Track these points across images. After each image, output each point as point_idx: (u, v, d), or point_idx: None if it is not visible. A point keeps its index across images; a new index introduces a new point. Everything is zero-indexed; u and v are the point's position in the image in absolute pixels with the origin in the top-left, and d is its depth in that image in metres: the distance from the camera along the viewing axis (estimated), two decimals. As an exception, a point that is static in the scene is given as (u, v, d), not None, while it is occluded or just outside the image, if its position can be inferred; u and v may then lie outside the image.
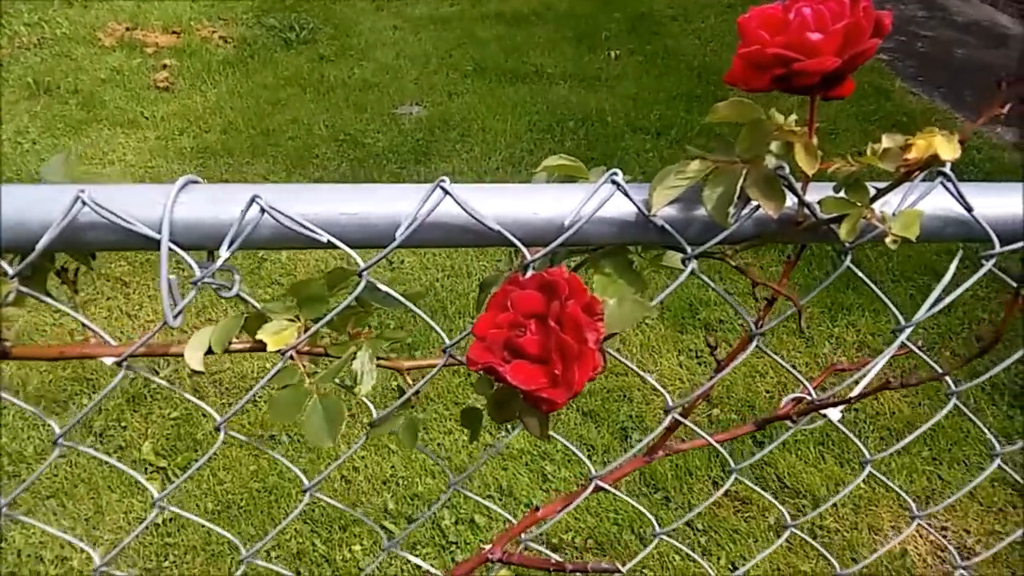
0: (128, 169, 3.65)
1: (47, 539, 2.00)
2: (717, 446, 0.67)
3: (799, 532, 1.99)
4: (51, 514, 2.08)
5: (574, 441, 2.28)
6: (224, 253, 0.54)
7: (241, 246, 0.55)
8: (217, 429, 0.63)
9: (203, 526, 2.06)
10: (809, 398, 0.70)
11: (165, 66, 4.47)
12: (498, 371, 0.53)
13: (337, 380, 0.61)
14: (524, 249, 0.58)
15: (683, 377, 2.52)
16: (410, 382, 0.64)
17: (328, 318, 0.58)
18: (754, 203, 0.58)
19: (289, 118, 4.02)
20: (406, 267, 3.10)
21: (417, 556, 1.95)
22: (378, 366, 0.62)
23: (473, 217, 0.57)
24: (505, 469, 2.15)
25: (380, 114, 4.09)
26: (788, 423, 0.67)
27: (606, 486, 0.68)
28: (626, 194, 0.58)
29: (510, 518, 0.75)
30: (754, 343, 0.65)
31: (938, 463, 2.23)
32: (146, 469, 2.22)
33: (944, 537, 2.00)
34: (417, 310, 0.60)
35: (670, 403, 0.65)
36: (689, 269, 0.61)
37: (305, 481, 0.68)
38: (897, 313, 0.67)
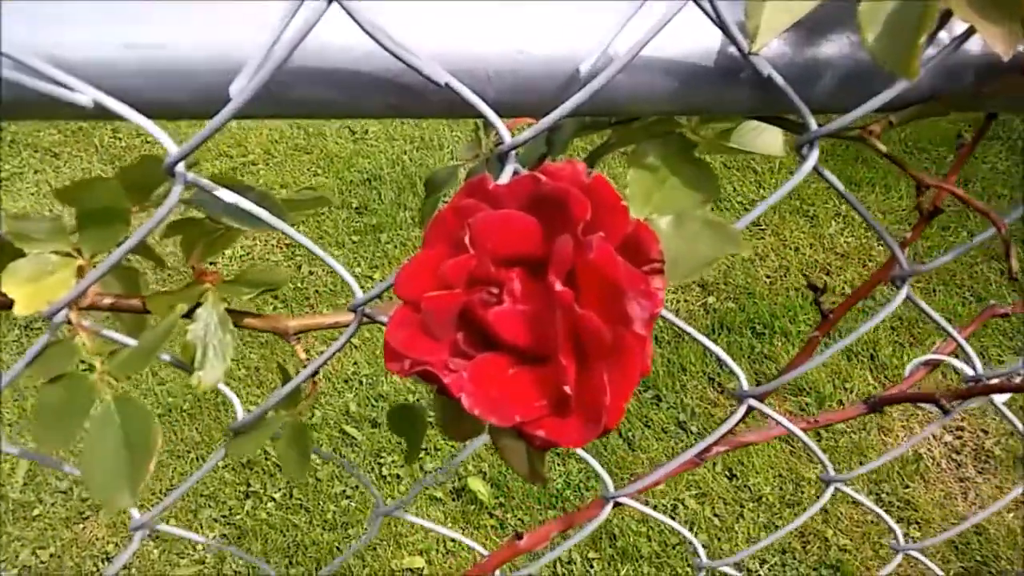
0: None
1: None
2: (808, 442, 0.42)
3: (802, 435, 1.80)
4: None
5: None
6: None
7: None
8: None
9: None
10: (947, 361, 0.44)
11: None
12: (442, 383, 0.26)
13: (164, 358, 0.34)
14: (498, 121, 0.30)
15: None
16: (303, 356, 0.37)
17: (125, 250, 0.30)
18: (957, 33, 0.30)
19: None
20: (370, 137, 2.75)
21: (383, 465, 1.76)
22: (240, 327, 0.34)
23: (392, 54, 0.28)
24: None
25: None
26: (919, 407, 0.41)
27: (628, 501, 0.43)
28: (710, 11, 0.29)
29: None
30: (904, 292, 0.38)
31: (954, 356, 2.03)
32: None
33: (960, 439, 1.83)
34: (296, 235, 0.32)
35: (744, 386, 0.39)
36: (812, 160, 0.32)
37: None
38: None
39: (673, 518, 1.66)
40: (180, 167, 0.28)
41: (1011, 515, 1.65)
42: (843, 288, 2.21)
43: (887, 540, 1.62)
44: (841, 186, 0.33)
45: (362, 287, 0.33)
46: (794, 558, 1.58)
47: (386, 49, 0.27)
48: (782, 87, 0.31)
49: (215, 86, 0.28)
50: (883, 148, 0.33)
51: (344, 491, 1.69)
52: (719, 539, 1.62)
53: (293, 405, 0.36)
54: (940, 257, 0.35)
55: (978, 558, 1.58)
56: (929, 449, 1.81)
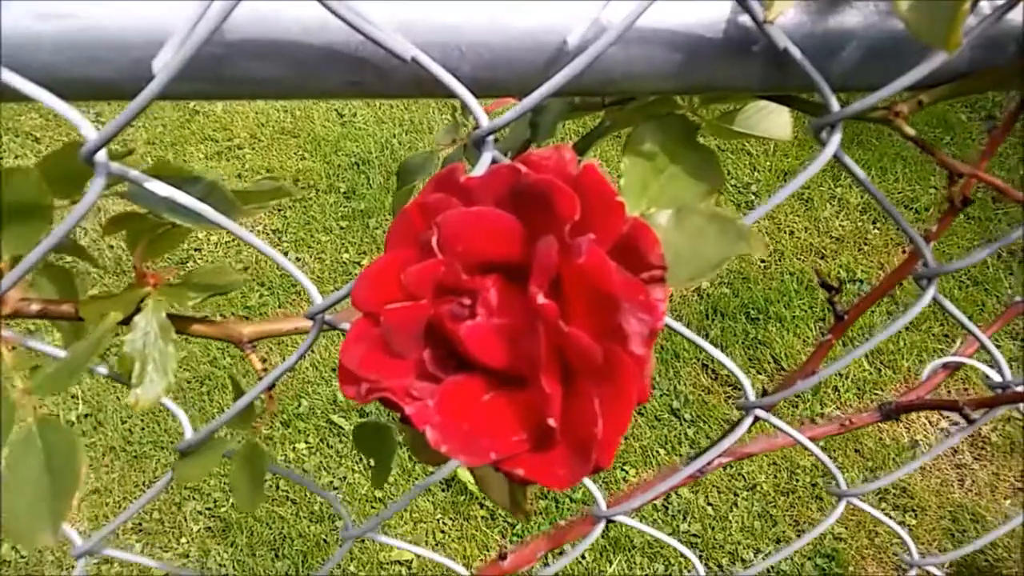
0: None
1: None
2: (819, 453, 0.39)
3: (812, 447, 1.78)
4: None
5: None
6: None
7: None
8: None
9: (123, 422, 1.79)
10: (974, 367, 0.41)
11: None
12: (403, 412, 0.22)
13: (99, 372, 0.30)
14: (473, 102, 0.26)
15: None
16: (259, 366, 0.33)
17: (42, 251, 0.26)
18: (997, 4, 0.26)
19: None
20: (358, 120, 2.69)
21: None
22: (184, 335, 0.30)
23: (348, 24, 0.24)
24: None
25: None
26: (952, 417, 0.38)
27: (625, 519, 0.39)
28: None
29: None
30: (930, 292, 0.34)
31: (950, 340, 2.01)
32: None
33: (956, 425, 1.80)
34: (243, 233, 0.28)
35: (750, 397, 0.35)
36: (834, 144, 0.29)
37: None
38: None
39: (666, 507, 1.63)
40: (101, 156, 0.24)
41: (1008, 502, 1.63)
42: (838, 272, 2.17)
43: (880, 528, 1.60)
44: (862, 174, 0.30)
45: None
46: (789, 547, 1.56)
47: (340, 17, 0.23)
48: (800, 62, 0.27)
49: (146, 61, 0.24)
50: (911, 132, 0.29)
51: (331, 482, 1.65)
52: (712, 528, 1.59)
53: (246, 423, 0.32)
54: (971, 256, 0.31)
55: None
56: (925, 436, 1.79)
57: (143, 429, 1.76)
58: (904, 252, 2.19)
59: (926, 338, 2.00)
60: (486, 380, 0.22)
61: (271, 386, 0.31)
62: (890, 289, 0.37)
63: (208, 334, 0.32)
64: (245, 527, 1.59)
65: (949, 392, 1.75)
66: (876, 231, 2.24)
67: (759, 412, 0.35)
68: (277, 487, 1.66)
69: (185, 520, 1.60)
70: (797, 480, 1.67)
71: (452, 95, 0.26)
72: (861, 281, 2.18)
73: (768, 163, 2.52)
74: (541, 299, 0.20)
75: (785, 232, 2.29)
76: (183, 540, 1.57)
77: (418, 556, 1.54)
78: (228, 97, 0.26)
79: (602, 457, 0.21)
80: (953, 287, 2.06)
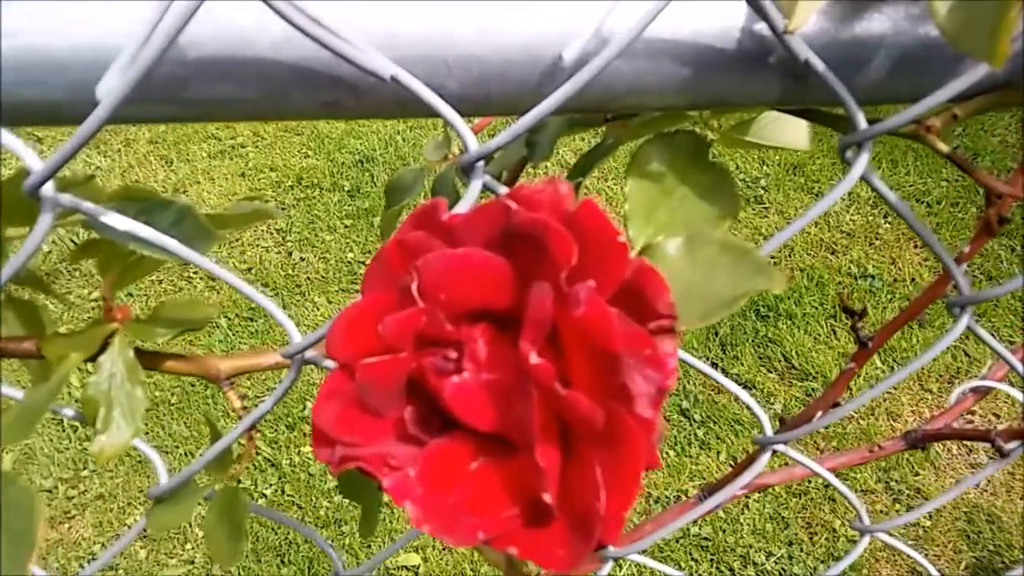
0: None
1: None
2: (841, 487, 0.36)
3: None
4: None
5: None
6: None
7: None
8: None
9: (126, 426, 1.77)
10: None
11: None
12: (379, 482, 0.19)
13: (66, 414, 0.27)
14: (460, 123, 0.23)
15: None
16: (237, 404, 0.31)
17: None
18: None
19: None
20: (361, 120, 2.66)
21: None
22: (153, 369, 0.28)
23: (317, 42, 0.21)
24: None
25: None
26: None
27: (644, 559, 0.37)
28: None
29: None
30: (964, 321, 0.31)
31: (963, 337, 1.97)
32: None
33: (971, 424, 1.77)
34: (208, 265, 0.26)
35: (768, 433, 0.33)
36: (861, 166, 0.26)
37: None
38: None
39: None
40: (47, 189, 0.22)
41: (1024, 503, 1.60)
42: (848, 267, 2.14)
43: (894, 530, 1.57)
44: (894, 197, 0.27)
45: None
46: (801, 550, 1.54)
47: (306, 34, 0.21)
48: (823, 74, 0.24)
49: (84, 78, 0.22)
50: (945, 148, 0.27)
51: (338, 486, 1.64)
52: (723, 531, 1.57)
53: (223, 469, 0.30)
54: (1009, 283, 0.29)
55: (991, 547, 1.53)
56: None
57: (147, 434, 1.74)
58: (916, 247, 2.15)
59: (939, 334, 1.96)
60: (473, 444, 0.20)
61: (250, 428, 0.29)
62: (918, 314, 0.34)
63: (182, 371, 0.30)
64: (251, 533, 1.58)
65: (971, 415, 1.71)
66: (887, 225, 2.21)
67: (780, 447, 0.33)
68: (283, 491, 1.64)
69: (190, 526, 1.59)
70: (809, 481, 1.64)
71: (438, 116, 0.24)
72: (872, 277, 2.15)
73: (777, 157, 2.49)
74: (534, 359, 0.18)
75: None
76: (188, 547, 1.56)
77: (425, 561, 1.52)
78: (191, 120, 0.23)
79: (606, 533, 0.18)
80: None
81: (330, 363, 0.29)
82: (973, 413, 1.80)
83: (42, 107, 0.23)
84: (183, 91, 0.22)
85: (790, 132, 0.35)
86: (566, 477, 0.19)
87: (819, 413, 0.35)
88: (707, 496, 0.37)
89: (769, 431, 0.33)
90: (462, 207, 0.22)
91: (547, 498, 0.18)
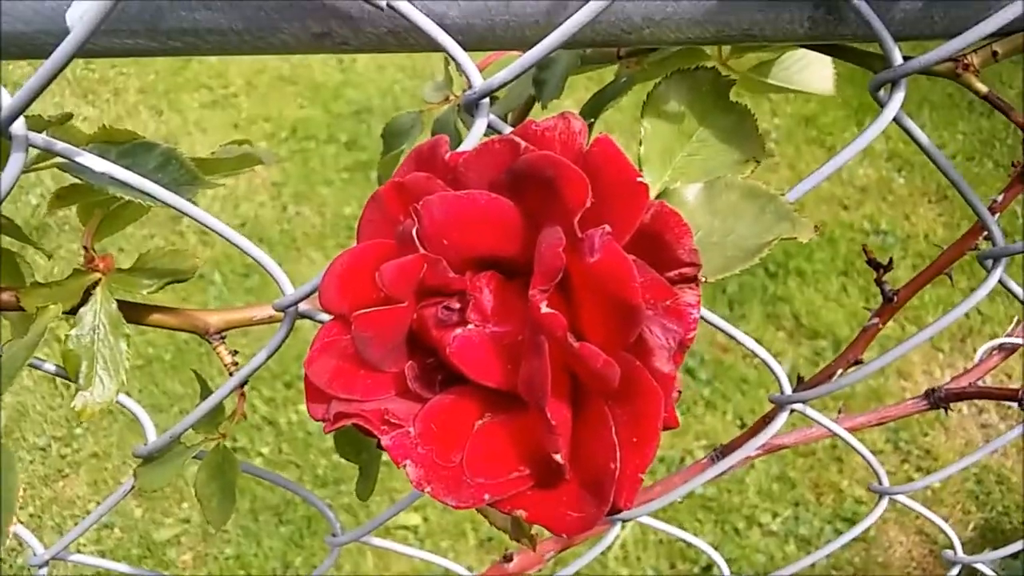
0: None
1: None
2: (859, 448, 0.35)
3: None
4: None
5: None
6: None
7: None
8: None
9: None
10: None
11: None
12: (378, 439, 0.18)
13: (46, 369, 0.26)
14: (463, 56, 0.21)
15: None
16: (228, 359, 0.29)
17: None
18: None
19: None
20: (358, 66, 2.61)
21: (382, 416, 1.70)
22: (138, 323, 0.27)
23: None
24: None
25: None
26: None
27: (641, 519, 0.36)
28: None
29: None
30: (997, 273, 0.30)
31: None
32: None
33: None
34: (194, 211, 0.24)
35: (787, 391, 0.31)
36: (896, 104, 0.24)
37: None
38: None
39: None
40: (17, 127, 0.20)
41: (1033, 463, 1.60)
42: (862, 223, 2.11)
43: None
44: (927, 140, 0.25)
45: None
46: (807, 511, 1.54)
47: (294, -47, 0.19)
48: (856, 5, 0.22)
49: (62, 13, 0.20)
50: (983, 88, 0.25)
51: (334, 445, 1.64)
52: (729, 492, 1.57)
53: (214, 426, 0.29)
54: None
55: (1000, 508, 1.53)
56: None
57: (140, 391, 1.73)
58: (930, 203, 2.12)
59: (953, 292, 1.94)
60: (479, 400, 0.18)
61: (242, 384, 0.28)
62: (946, 267, 0.33)
63: (169, 324, 0.28)
64: (248, 492, 1.58)
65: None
66: (901, 180, 2.17)
67: (797, 406, 0.32)
68: (280, 451, 1.64)
69: (186, 484, 1.59)
70: (816, 441, 1.64)
71: (439, 48, 0.22)
72: (885, 233, 2.12)
73: (789, 108, 2.43)
74: (545, 308, 0.16)
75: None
76: (184, 505, 1.56)
77: (425, 520, 1.53)
78: (169, 53, 0.22)
79: (621, 496, 0.17)
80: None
81: (325, 316, 0.27)
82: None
83: (10, 38, 0.21)
84: (161, 21, 0.20)
85: (814, 75, 0.33)
86: (578, 436, 0.17)
87: (839, 371, 0.34)
88: (720, 457, 0.36)
89: (788, 389, 0.32)
90: (466, 147, 0.20)
91: (558, 458, 0.16)
